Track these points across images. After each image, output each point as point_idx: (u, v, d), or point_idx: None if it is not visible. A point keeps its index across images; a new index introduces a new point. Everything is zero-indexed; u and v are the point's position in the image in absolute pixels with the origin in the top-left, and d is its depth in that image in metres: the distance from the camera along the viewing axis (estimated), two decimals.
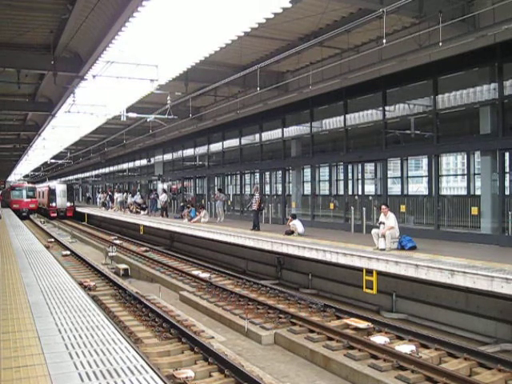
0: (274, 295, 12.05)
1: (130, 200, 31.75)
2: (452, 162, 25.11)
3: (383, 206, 11.86)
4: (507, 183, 12.31)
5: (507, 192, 12.21)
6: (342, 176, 18.57)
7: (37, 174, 67.24)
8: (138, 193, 33.35)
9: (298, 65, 16.76)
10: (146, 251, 20.91)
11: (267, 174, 23.13)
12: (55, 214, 41.51)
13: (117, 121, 23.74)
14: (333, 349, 8.10)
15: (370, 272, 10.40)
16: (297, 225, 15.15)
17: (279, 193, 21.63)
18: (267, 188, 23.28)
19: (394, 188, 17.25)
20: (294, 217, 15.73)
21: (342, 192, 18.21)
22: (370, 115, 16.11)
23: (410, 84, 14.67)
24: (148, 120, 22.08)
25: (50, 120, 23.10)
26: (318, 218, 18.38)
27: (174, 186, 33.08)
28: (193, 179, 30.94)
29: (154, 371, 4.26)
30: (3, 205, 43.90)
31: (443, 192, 15.99)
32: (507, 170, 12.42)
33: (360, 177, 17.73)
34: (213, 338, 8.98)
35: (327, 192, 20.06)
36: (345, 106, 16.79)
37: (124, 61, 13.70)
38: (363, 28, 12.62)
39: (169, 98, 17.68)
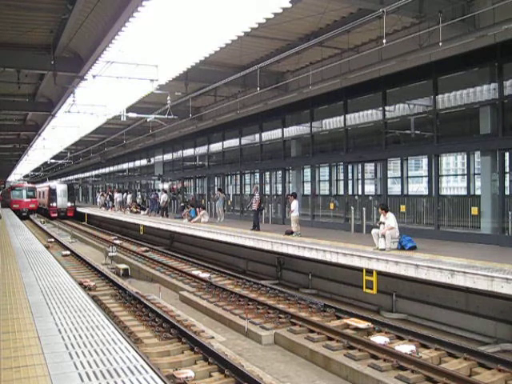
0: (274, 295, 12.04)
1: (129, 200, 31.77)
2: (452, 162, 25.10)
3: (380, 208, 11.89)
4: (507, 183, 12.31)
5: (507, 192, 12.20)
6: (342, 176, 18.56)
7: (37, 174, 67.24)
8: (138, 193, 33.37)
9: (298, 65, 16.76)
10: (146, 251, 20.91)
11: (267, 173, 23.13)
12: (56, 214, 41.47)
13: (117, 121, 23.73)
14: (333, 349, 8.10)
15: (369, 272, 10.40)
16: (295, 206, 15.02)
17: (279, 193, 21.63)
18: (267, 188, 23.28)
19: (394, 188, 17.25)
20: (294, 196, 15.45)
21: (342, 192, 18.20)
22: (370, 115, 16.10)
23: (410, 84, 14.65)
24: (148, 120, 22.08)
25: (49, 120, 23.11)
26: (318, 218, 18.37)
27: (175, 186, 33.09)
28: (193, 179, 30.95)
29: (154, 371, 4.26)
30: (3, 205, 43.90)
31: (443, 192, 15.99)
32: (507, 169, 12.42)
33: (360, 177, 17.73)
34: (213, 338, 8.99)
35: (327, 192, 20.06)
36: (345, 106, 16.78)
37: (124, 61, 13.71)
38: (363, 28, 12.61)
39: (169, 97, 17.67)
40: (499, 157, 12.04)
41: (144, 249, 21.53)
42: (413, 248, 11.07)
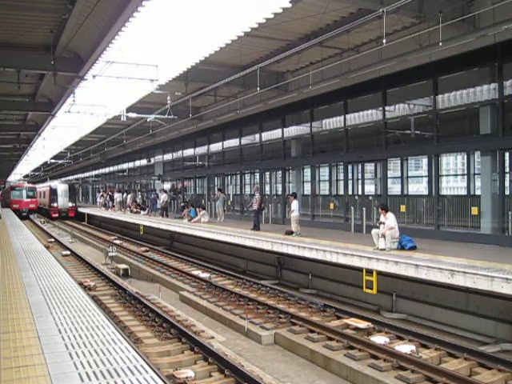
0: (273, 295, 12.04)
1: (129, 200, 31.76)
2: (452, 162, 25.08)
3: (380, 208, 11.89)
4: (507, 183, 12.31)
5: (507, 192, 12.21)
6: (342, 176, 18.56)
7: (37, 174, 67.23)
8: (138, 193, 33.33)
9: (298, 65, 16.76)
10: (146, 251, 20.91)
11: (267, 173, 23.13)
12: (57, 215, 41.30)
13: (117, 121, 23.73)
14: (333, 349, 8.10)
15: (369, 272, 10.39)
16: (295, 206, 15.00)
17: (279, 193, 21.63)
18: (267, 188, 23.28)
19: (394, 188, 17.25)
20: (294, 196, 15.39)
21: (342, 192, 18.20)
22: (370, 115, 16.10)
23: (410, 84, 14.65)
24: (148, 120, 22.08)
25: (50, 120, 23.11)
26: (318, 218, 18.37)
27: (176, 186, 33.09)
28: (193, 179, 30.95)
29: (154, 371, 4.26)
30: (3, 205, 43.88)
31: (443, 192, 15.98)
32: (507, 169, 12.43)
33: (360, 177, 17.73)
34: (213, 337, 8.99)
35: (327, 192, 20.06)
36: (345, 106, 16.78)
37: (124, 61, 13.71)
38: (363, 28, 12.61)
39: (169, 97, 17.67)
40: (499, 157, 12.03)
41: (144, 249, 21.53)
42: (413, 248, 11.07)
